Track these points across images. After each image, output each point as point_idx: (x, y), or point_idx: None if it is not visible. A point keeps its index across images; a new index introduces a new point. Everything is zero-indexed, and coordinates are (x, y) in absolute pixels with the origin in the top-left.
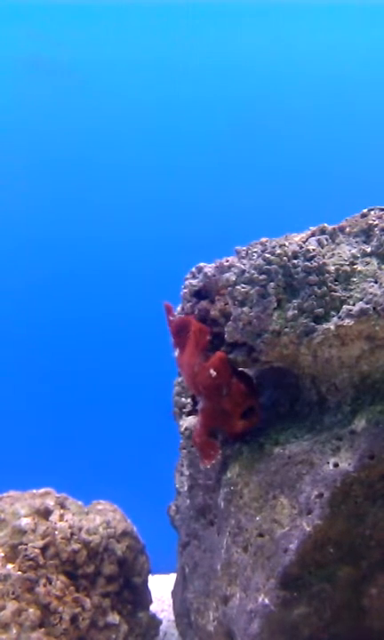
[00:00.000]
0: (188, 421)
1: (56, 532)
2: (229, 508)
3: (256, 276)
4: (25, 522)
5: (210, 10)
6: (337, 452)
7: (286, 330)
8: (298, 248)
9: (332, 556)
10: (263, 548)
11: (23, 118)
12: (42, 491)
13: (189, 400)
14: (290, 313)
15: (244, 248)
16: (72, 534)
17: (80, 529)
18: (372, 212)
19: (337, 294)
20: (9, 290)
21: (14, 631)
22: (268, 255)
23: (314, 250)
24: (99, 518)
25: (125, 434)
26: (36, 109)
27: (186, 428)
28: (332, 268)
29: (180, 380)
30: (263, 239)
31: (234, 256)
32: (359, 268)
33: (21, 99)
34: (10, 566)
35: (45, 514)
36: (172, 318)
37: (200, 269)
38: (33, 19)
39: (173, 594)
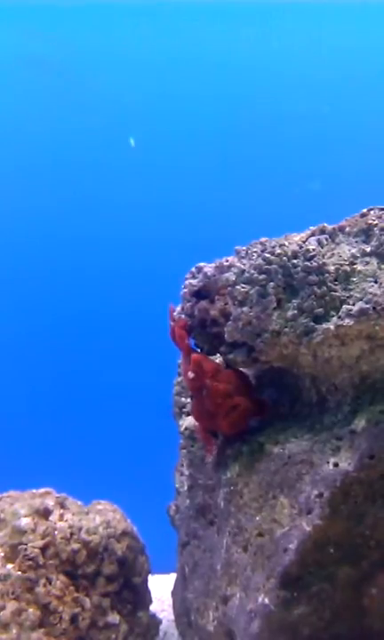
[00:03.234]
0: (188, 421)
1: (56, 532)
2: (229, 508)
3: (256, 275)
4: (25, 522)
5: (209, 10)
6: (337, 451)
7: (286, 330)
8: (298, 248)
9: (331, 555)
10: (263, 548)
11: (23, 118)
12: (42, 490)
13: (189, 400)
14: (290, 313)
15: (244, 248)
16: (72, 534)
17: (80, 529)
18: (372, 212)
19: (337, 294)
20: (10, 291)
21: (14, 631)
22: (267, 255)
23: (314, 250)
24: (99, 518)
25: (125, 434)
26: (36, 109)
27: (186, 428)
28: (331, 268)
29: (179, 379)
30: (263, 239)
31: (234, 256)
32: (359, 267)
33: (21, 98)
34: (10, 566)
35: (45, 514)
36: (172, 323)
37: (200, 269)
38: (33, 19)
39: (173, 594)
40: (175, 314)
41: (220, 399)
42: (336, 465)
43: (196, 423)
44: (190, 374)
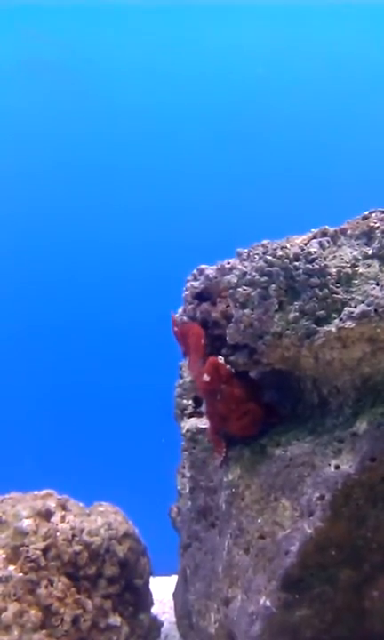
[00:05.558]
0: (190, 423)
1: (57, 534)
2: (231, 510)
3: (257, 278)
4: (26, 523)
5: (210, 10)
6: (338, 454)
7: (288, 332)
8: (299, 250)
9: (333, 558)
10: (264, 550)
11: (22, 119)
12: (43, 492)
13: (191, 402)
14: (291, 315)
15: (246, 250)
16: (73, 536)
17: (81, 530)
18: (374, 215)
19: (338, 296)
20: (11, 293)
21: (16, 633)
22: (269, 257)
23: (315, 252)
24: (100, 520)
25: (127, 435)
26: (36, 110)
27: (187, 430)
28: (333, 271)
29: (181, 382)
30: (265, 241)
31: (235, 258)
32: (361, 270)
33: (20, 99)
34: (11, 568)
35: (47, 515)
36: (176, 329)
37: (201, 271)
38: (33, 19)
39: (175, 596)
40: (177, 316)
41: (234, 404)
42: (337, 467)
43: (208, 426)
44: (206, 377)
